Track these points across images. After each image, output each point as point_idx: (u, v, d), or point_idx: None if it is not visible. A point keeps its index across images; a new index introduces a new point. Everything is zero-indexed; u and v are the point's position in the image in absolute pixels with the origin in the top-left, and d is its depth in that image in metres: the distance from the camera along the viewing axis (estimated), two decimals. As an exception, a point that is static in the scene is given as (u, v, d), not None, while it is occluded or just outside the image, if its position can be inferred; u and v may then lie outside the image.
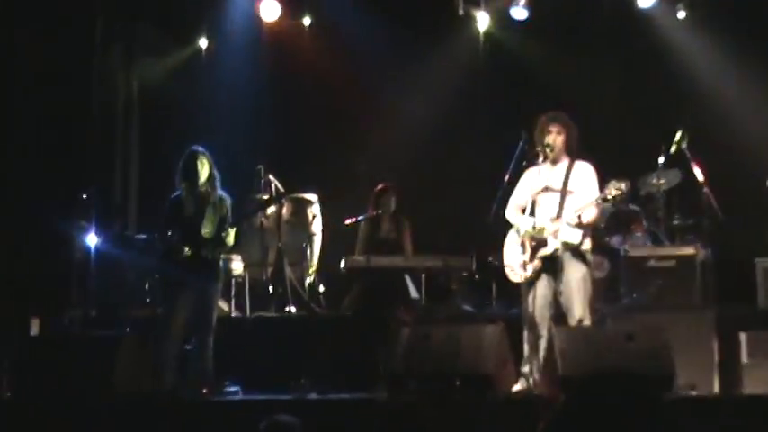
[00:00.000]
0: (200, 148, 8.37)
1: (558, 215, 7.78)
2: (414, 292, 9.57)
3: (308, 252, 10.33)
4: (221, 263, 8.52)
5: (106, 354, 8.03)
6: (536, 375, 7.61)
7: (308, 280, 10.31)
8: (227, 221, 8.26)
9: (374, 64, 11.62)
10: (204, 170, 8.29)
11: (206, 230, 8.25)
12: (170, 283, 8.27)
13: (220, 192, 8.38)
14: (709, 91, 10.95)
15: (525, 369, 7.72)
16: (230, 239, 8.29)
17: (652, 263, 8.97)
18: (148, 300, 9.71)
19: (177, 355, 8.13)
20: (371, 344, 8.45)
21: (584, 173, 7.93)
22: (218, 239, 8.23)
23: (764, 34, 10.81)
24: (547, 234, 7.72)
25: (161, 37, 11.97)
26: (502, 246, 8.09)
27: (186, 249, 8.11)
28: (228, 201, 8.39)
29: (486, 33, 11.74)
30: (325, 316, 9.92)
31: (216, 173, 8.36)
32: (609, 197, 7.61)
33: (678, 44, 11.28)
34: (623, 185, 7.53)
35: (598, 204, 7.78)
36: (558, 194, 7.86)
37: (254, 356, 8.79)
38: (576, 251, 7.76)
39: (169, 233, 8.19)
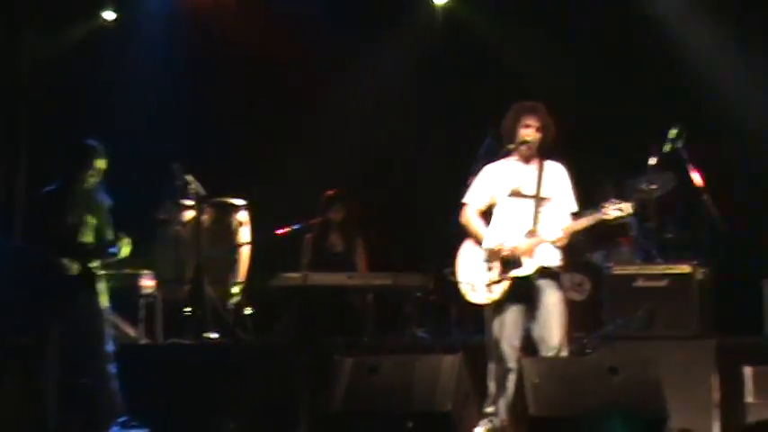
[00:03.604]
0: (94, 142, 8.34)
1: (533, 228, 7.75)
2: None
3: (234, 267, 10.28)
4: (132, 278, 8.48)
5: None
6: (502, 415, 7.57)
7: (233, 300, 10.26)
8: (109, 227, 8.22)
9: (316, 46, 11.60)
10: (95, 169, 8.27)
11: (88, 238, 8.22)
12: (44, 303, 8.20)
13: (103, 194, 8.36)
14: (711, 84, 11.02)
15: (490, 408, 7.67)
16: (124, 250, 8.28)
17: (640, 282, 9.04)
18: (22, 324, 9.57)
19: (64, 392, 8.05)
20: (307, 377, 8.42)
21: (558, 176, 7.90)
22: (102, 249, 8.19)
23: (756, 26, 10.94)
24: (521, 252, 7.70)
25: (56, 6, 11.83)
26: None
27: (67, 262, 8.07)
28: (108, 203, 8.35)
29: (446, 9, 11.78)
30: (252, 344, 9.87)
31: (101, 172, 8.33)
32: (608, 217, 7.58)
33: (675, 26, 11.37)
34: (625, 206, 7.50)
35: (591, 222, 7.72)
36: (532, 202, 7.84)
37: (167, 392, 8.71)
38: (553, 272, 7.77)
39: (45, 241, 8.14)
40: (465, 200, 8.03)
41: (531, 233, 7.71)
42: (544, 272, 7.72)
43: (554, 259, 7.73)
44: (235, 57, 11.80)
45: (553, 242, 7.67)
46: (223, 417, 8.11)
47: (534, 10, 11.43)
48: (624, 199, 7.58)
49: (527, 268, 7.68)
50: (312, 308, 9.60)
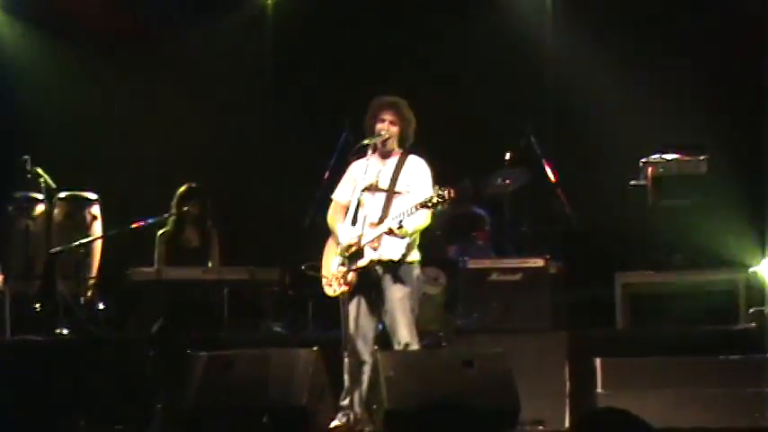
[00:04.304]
0: None
1: (381, 220, 7.77)
2: None
3: (86, 262, 10.10)
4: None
5: None
6: (357, 409, 7.58)
7: (86, 296, 10.09)
8: None
9: (167, 39, 11.47)
10: None
11: None
12: None
13: None
14: (565, 83, 11.22)
15: (345, 402, 7.68)
16: None
17: (495, 276, 9.13)
18: None
19: None
20: (161, 373, 8.33)
21: (417, 170, 7.93)
22: None
23: (626, 26, 11.16)
24: (364, 242, 7.72)
25: None
26: (321, 254, 8.08)
27: None
28: None
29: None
30: (104, 339, 9.71)
31: None
32: (429, 204, 7.57)
33: (532, 24, 11.53)
34: (446, 192, 7.48)
35: (421, 210, 7.71)
36: (384, 195, 7.87)
37: (16, 389, 8.53)
38: (397, 265, 7.79)
39: None
40: (332, 196, 8.09)
41: (376, 225, 7.73)
42: (387, 264, 7.75)
43: (396, 251, 7.74)
44: (81, 32, 11.53)
45: (392, 233, 7.67)
46: (73, 415, 7.95)
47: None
48: (451, 190, 7.59)
49: (367, 258, 7.71)
50: (166, 303, 9.48)
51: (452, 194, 7.50)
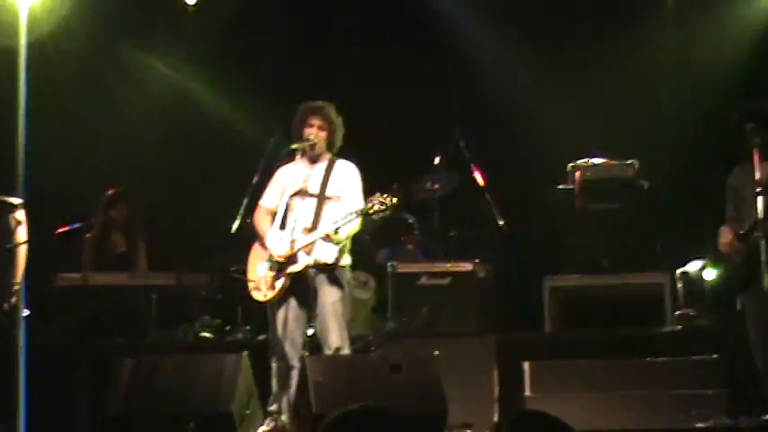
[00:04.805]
0: None
1: (314, 226, 7.78)
2: None
3: (9, 268, 9.96)
4: None
5: None
6: (285, 414, 7.56)
7: (9, 302, 9.94)
8: None
9: (101, 45, 11.37)
10: None
11: None
12: None
13: None
14: (495, 88, 11.24)
15: (273, 407, 7.66)
16: None
17: (424, 281, 9.15)
18: None
19: None
20: (87, 379, 8.26)
21: (347, 175, 7.96)
22: None
23: (556, 31, 11.25)
24: (298, 247, 7.72)
25: None
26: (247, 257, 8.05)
27: None
28: None
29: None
30: (29, 346, 9.58)
31: None
32: (371, 211, 7.60)
33: (463, 33, 11.56)
34: (389, 200, 7.53)
35: (359, 217, 7.76)
36: (315, 200, 7.88)
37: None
38: (331, 269, 7.80)
39: None
40: (260, 201, 8.07)
41: (309, 230, 7.74)
42: (321, 268, 7.75)
43: (330, 256, 7.76)
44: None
45: (328, 238, 7.69)
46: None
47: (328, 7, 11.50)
48: (394, 194, 7.61)
49: (302, 263, 7.71)
50: (93, 308, 9.39)
51: (395, 201, 7.53)
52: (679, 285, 9.29)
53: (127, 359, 7.65)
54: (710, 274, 8.92)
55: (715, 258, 8.47)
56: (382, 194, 7.52)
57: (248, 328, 9.57)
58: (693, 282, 9.19)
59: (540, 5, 11.29)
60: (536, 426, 3.78)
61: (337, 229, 7.64)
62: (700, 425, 7.64)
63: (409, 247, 10.14)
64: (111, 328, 9.23)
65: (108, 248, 10.11)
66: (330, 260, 7.76)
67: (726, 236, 7.75)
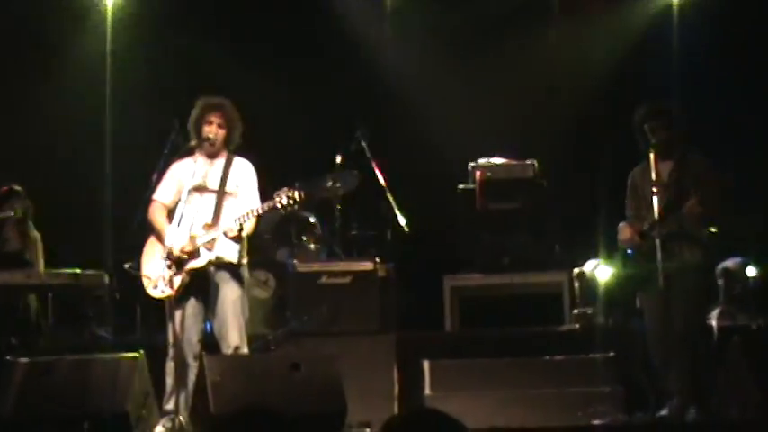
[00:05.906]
0: None
1: (215, 222, 7.72)
2: None
3: None
4: None
5: None
6: (183, 413, 7.48)
7: None
8: None
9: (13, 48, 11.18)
10: None
11: None
12: None
13: None
14: (397, 86, 11.29)
15: (169, 405, 7.58)
16: None
17: (324, 280, 9.14)
18: None
19: None
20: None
21: (244, 172, 7.91)
22: None
23: (458, 31, 11.29)
24: (200, 243, 7.65)
25: None
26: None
27: None
28: None
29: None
30: None
31: None
32: (279, 206, 7.58)
33: (364, 32, 11.56)
34: (297, 194, 7.53)
35: (265, 213, 7.74)
36: (214, 196, 7.82)
37: None
38: (232, 267, 7.75)
39: None
40: (153, 196, 7.96)
41: (210, 226, 7.68)
42: (222, 266, 7.69)
43: (232, 253, 7.71)
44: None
45: (229, 234, 7.64)
46: None
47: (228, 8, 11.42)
48: (300, 191, 7.60)
49: (204, 259, 7.64)
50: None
51: (303, 196, 7.53)
52: (576, 284, 9.40)
53: (20, 360, 7.52)
54: (605, 273, 9.02)
55: (610, 256, 8.57)
56: (290, 189, 7.52)
57: (144, 326, 9.48)
58: (589, 281, 9.30)
59: (440, 7, 11.33)
60: (425, 423, 3.74)
61: (242, 225, 7.59)
62: (596, 422, 7.74)
63: (310, 246, 10.09)
64: (3, 329, 9.04)
65: (1, 246, 9.91)
66: (234, 258, 7.70)
67: (625, 233, 7.86)
